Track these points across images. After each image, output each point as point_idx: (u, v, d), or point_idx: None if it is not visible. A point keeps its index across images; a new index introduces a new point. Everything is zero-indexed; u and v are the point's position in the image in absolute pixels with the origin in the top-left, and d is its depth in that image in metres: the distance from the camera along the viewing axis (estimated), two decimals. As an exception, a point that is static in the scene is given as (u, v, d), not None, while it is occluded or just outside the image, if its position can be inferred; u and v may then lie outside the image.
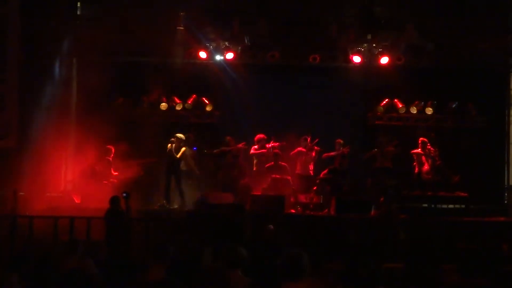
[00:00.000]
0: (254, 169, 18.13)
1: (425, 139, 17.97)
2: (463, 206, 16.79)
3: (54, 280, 6.99)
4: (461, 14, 17.70)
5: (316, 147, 18.19)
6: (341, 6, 18.11)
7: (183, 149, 17.51)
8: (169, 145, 17.57)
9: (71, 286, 6.60)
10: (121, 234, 13.87)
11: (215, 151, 18.15)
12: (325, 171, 17.68)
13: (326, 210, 16.88)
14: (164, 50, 18.42)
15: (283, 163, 17.69)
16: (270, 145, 18.04)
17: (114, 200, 13.91)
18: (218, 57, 18.96)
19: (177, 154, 17.40)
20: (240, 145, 18.12)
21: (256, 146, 18.11)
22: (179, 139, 17.59)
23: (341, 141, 18.27)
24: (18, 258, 8.63)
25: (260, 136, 18.13)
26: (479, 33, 18.16)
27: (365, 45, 18.70)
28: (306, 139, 18.08)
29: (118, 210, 13.87)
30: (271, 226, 13.53)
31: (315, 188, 17.64)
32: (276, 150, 17.83)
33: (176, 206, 17.20)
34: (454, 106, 19.56)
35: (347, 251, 13.55)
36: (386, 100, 19.83)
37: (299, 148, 18.16)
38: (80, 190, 17.50)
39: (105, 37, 17.64)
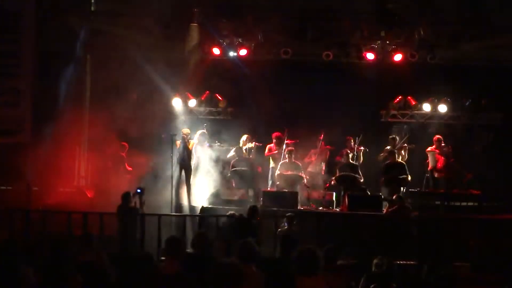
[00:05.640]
0: (273, 165, 18.12)
1: (440, 137, 17.95)
2: (476, 203, 16.73)
3: (68, 274, 7.03)
4: (475, 9, 17.62)
5: (328, 146, 18.27)
6: (355, 2, 18.08)
7: (192, 142, 17.52)
8: (178, 142, 17.57)
9: (85, 280, 6.65)
10: (134, 229, 13.97)
11: (229, 156, 18.12)
12: (336, 173, 17.68)
13: (340, 207, 16.89)
14: (178, 46, 18.46)
15: (296, 161, 17.70)
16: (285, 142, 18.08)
17: (125, 197, 14.07)
18: (232, 54, 18.97)
19: (189, 147, 17.41)
20: (253, 144, 18.16)
21: (272, 144, 18.16)
22: (186, 134, 17.60)
23: (352, 138, 18.33)
24: (32, 252, 8.70)
25: (277, 134, 18.16)
26: (493, 29, 18.11)
27: (379, 42, 18.68)
28: (319, 140, 18.18)
29: (129, 206, 14.01)
30: (292, 214, 13.68)
31: (327, 185, 17.65)
32: (290, 148, 17.83)
33: (185, 202, 17.22)
34: (467, 103, 19.51)
35: (360, 247, 13.57)
36: (400, 97, 19.81)
37: (312, 151, 18.26)
38: (93, 185, 17.56)
39: (119, 32, 17.74)
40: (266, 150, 18.28)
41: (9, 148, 16.53)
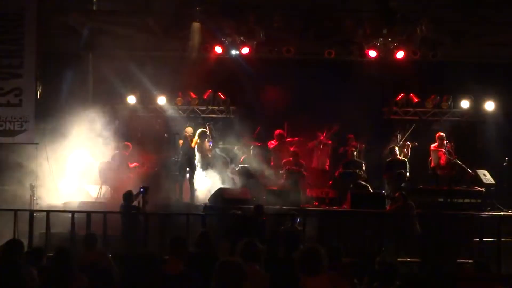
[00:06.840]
0: (272, 164, 18.12)
1: (442, 134, 17.92)
2: (479, 200, 16.73)
3: (72, 274, 7.05)
4: (477, 6, 17.57)
5: (329, 141, 18.28)
6: (357, 0, 18.04)
7: (195, 141, 17.49)
8: (181, 140, 17.60)
9: (89, 280, 6.66)
10: (137, 228, 13.98)
11: (236, 148, 18.25)
12: (340, 169, 17.73)
13: (343, 204, 16.89)
14: (180, 44, 18.46)
15: (301, 161, 17.72)
16: (288, 140, 18.12)
17: (126, 196, 14.10)
18: (234, 52, 18.94)
19: (192, 145, 17.40)
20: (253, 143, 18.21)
21: (273, 141, 18.17)
22: (189, 133, 17.61)
23: (353, 136, 18.37)
24: (36, 252, 8.72)
25: (279, 131, 18.18)
26: (496, 26, 18.10)
27: (381, 39, 18.63)
28: (319, 136, 18.19)
29: (131, 205, 14.04)
30: (295, 212, 13.64)
31: (330, 182, 17.66)
32: (295, 148, 17.84)
33: (189, 201, 17.20)
34: (469, 100, 19.49)
35: (363, 245, 13.57)
36: (402, 94, 19.80)
37: (314, 142, 18.27)
38: (96, 184, 17.55)
39: (121, 31, 17.74)
40: (269, 145, 18.31)
41: (12, 148, 16.53)
